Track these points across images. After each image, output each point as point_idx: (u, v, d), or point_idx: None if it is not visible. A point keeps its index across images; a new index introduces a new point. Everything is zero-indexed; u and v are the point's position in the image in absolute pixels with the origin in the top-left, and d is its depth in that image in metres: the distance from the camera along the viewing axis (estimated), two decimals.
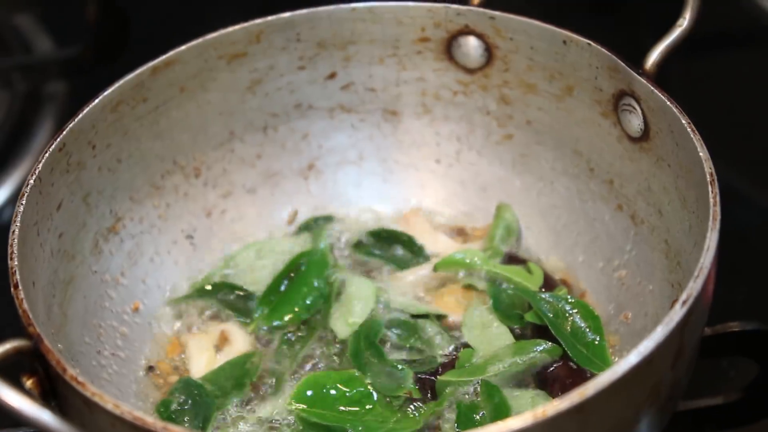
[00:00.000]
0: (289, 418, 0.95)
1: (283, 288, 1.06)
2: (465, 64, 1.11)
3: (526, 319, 1.01)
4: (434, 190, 1.17)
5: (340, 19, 1.09)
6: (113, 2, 1.62)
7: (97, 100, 1.00)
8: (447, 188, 1.17)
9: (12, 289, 0.84)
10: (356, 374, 0.96)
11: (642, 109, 0.97)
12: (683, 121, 0.91)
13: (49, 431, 0.69)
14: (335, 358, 1.01)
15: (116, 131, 1.03)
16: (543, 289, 1.04)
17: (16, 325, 0.83)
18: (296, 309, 1.04)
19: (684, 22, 0.96)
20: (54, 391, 0.82)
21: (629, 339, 0.99)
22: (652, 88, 0.95)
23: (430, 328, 1.02)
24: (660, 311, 0.96)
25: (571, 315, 0.98)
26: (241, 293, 1.07)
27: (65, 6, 1.61)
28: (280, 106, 1.13)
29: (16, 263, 0.86)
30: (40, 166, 0.94)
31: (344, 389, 0.95)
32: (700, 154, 0.89)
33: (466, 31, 1.08)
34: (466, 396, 0.94)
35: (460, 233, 1.14)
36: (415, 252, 1.11)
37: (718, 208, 0.85)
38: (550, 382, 0.95)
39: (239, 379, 0.98)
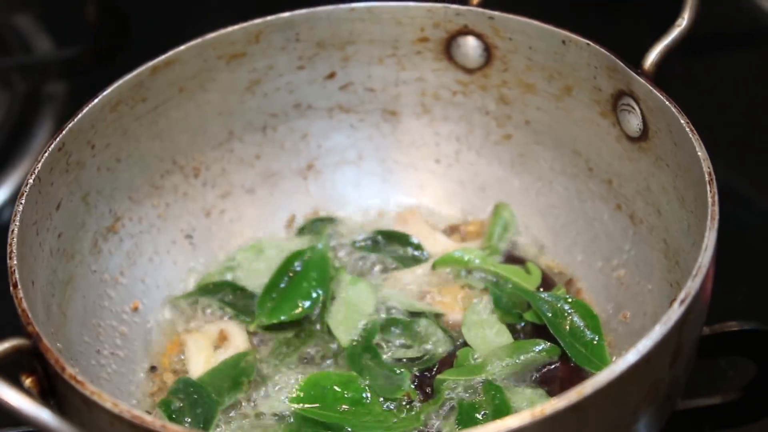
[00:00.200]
0: (288, 417, 0.95)
1: (283, 285, 1.06)
2: (464, 64, 1.11)
3: (524, 318, 1.01)
4: (433, 190, 1.17)
5: (339, 19, 1.09)
6: (113, 2, 1.62)
7: (96, 100, 1.00)
8: (446, 188, 1.17)
9: (11, 288, 0.84)
10: (356, 374, 0.97)
11: (641, 109, 0.97)
12: (682, 121, 0.91)
13: (48, 430, 0.69)
14: (334, 357, 1.01)
15: (115, 131, 1.03)
16: (542, 289, 1.04)
17: (16, 324, 0.83)
18: (298, 306, 1.04)
19: (683, 22, 0.96)
20: (53, 390, 0.82)
21: (628, 338, 0.99)
22: (651, 88, 0.95)
23: (429, 327, 1.02)
24: (659, 311, 0.96)
25: (569, 314, 0.98)
26: (241, 292, 1.07)
27: (65, 6, 1.62)
28: (279, 106, 1.13)
29: (15, 262, 0.86)
30: (40, 165, 0.94)
31: (344, 389, 0.95)
32: (699, 153, 0.89)
33: (466, 31, 1.08)
34: (467, 395, 0.94)
35: (458, 232, 1.14)
36: (413, 251, 1.11)
37: (716, 208, 0.85)
38: (548, 381, 0.95)
39: (236, 378, 0.98)
